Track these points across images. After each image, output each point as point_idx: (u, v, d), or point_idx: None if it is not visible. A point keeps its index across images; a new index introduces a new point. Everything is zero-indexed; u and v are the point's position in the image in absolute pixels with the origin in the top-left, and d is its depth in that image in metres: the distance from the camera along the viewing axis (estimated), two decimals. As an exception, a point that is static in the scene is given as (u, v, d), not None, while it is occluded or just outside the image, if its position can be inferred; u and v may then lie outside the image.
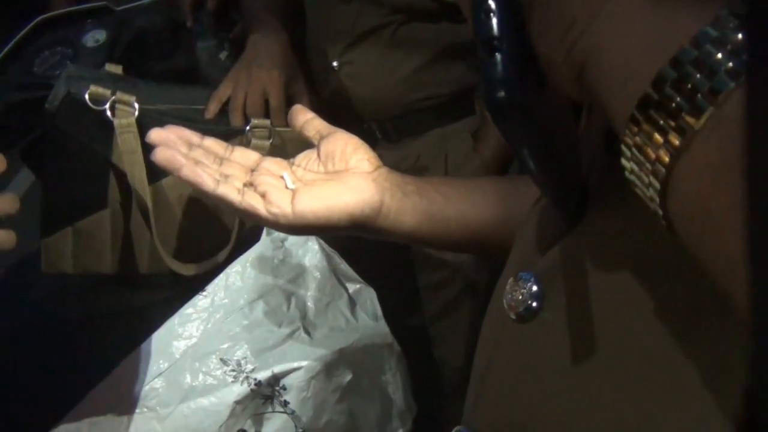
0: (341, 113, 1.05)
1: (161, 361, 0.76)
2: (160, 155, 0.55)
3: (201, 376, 0.74)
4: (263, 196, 0.54)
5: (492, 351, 0.42)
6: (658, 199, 0.25)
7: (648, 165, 0.25)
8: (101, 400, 0.73)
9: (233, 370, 0.74)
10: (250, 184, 0.56)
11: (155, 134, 0.57)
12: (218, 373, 0.74)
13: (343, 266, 0.87)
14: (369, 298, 0.89)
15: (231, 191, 0.54)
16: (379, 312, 0.88)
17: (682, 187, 0.24)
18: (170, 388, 0.74)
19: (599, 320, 0.34)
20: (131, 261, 0.96)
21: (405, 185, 0.55)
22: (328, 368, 0.76)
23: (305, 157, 0.58)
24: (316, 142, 0.58)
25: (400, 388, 0.86)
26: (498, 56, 0.26)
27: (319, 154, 0.57)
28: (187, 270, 0.89)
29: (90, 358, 0.83)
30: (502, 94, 0.26)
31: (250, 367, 0.74)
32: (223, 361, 0.75)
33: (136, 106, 0.88)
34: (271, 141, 0.91)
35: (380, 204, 0.55)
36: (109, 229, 0.94)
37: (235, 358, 0.75)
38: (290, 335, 0.77)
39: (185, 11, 1.71)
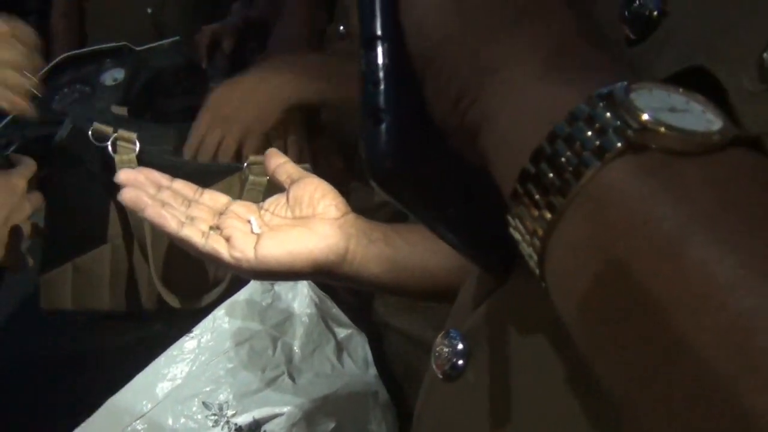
0: None
1: (145, 402, 0.76)
2: (126, 195, 0.56)
3: (182, 419, 0.74)
4: (228, 239, 0.55)
5: (420, 409, 0.42)
6: (537, 271, 0.25)
7: (528, 237, 0.25)
8: (83, 439, 0.73)
9: (214, 414, 0.74)
10: (216, 227, 0.57)
11: (123, 175, 0.59)
12: (199, 416, 0.74)
13: (335, 311, 0.87)
14: (360, 344, 0.88)
15: (194, 234, 0.55)
16: (370, 358, 0.88)
17: (552, 262, 0.24)
18: (152, 430, 0.74)
19: (518, 385, 0.34)
20: (130, 297, 0.97)
21: (371, 232, 0.56)
22: (311, 415, 0.76)
23: (274, 202, 0.60)
24: (287, 187, 0.59)
25: (387, 439, 0.85)
26: (383, 127, 0.26)
27: (288, 199, 0.58)
28: (183, 304, 0.90)
29: (75, 397, 0.84)
30: (387, 165, 0.27)
31: (231, 411, 0.74)
32: (205, 405, 0.75)
33: (137, 143, 0.90)
34: (268, 178, 0.92)
35: (345, 251, 0.55)
36: (108, 266, 0.95)
37: (217, 402, 0.75)
38: (274, 380, 0.77)
39: (200, 53, 1.75)
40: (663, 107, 0.22)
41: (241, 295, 0.81)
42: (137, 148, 0.91)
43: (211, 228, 0.57)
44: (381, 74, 0.28)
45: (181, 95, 1.55)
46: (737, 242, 0.19)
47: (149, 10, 1.99)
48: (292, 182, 0.59)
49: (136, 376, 0.78)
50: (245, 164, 0.92)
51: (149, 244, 0.89)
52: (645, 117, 0.21)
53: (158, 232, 0.92)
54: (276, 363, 0.79)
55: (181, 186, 0.61)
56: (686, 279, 0.19)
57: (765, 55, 0.24)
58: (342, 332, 0.87)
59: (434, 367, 0.40)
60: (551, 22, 0.26)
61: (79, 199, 0.93)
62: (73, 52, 1.55)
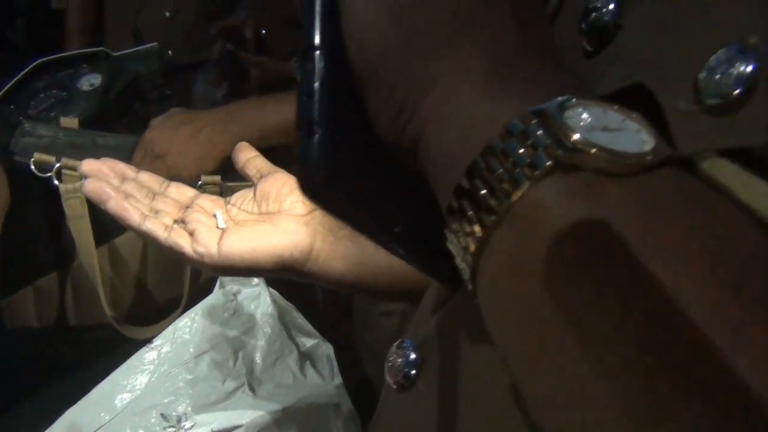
0: None
1: (103, 414, 0.76)
2: (88, 186, 0.56)
3: (140, 431, 0.74)
4: (192, 234, 0.54)
5: (375, 419, 0.42)
6: (470, 287, 0.25)
7: (461, 252, 0.25)
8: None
9: (172, 426, 0.74)
10: (181, 221, 0.56)
11: (87, 165, 0.58)
12: (157, 428, 0.74)
13: (300, 320, 0.87)
14: (326, 354, 0.88)
15: (157, 227, 0.55)
16: (336, 369, 0.88)
17: (483, 280, 0.24)
18: (109, 443, 0.74)
19: (466, 395, 0.34)
20: (93, 313, 0.97)
21: (338, 229, 0.55)
22: (271, 427, 0.76)
23: (241, 196, 0.59)
24: (255, 181, 0.59)
25: (350, 451, 0.84)
26: (316, 139, 0.26)
27: (255, 194, 0.58)
28: (139, 334, 0.90)
29: (35, 408, 0.83)
30: (317, 178, 0.26)
31: (189, 423, 0.74)
32: (164, 417, 0.74)
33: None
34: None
35: (310, 248, 0.55)
36: (69, 286, 0.95)
37: (175, 413, 0.74)
38: (234, 392, 0.77)
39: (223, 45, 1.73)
40: (596, 126, 0.22)
41: (203, 304, 0.81)
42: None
43: (175, 221, 0.56)
44: (316, 85, 0.27)
45: (157, 101, 1.55)
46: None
47: (167, 14, 2.00)
48: (261, 177, 0.59)
49: (94, 388, 0.78)
50: (198, 183, 0.92)
51: (98, 274, 0.89)
52: (575, 137, 0.21)
53: (114, 257, 0.93)
54: (236, 374, 0.79)
55: (147, 178, 0.60)
56: None
57: (700, 75, 0.24)
58: (307, 342, 0.87)
59: (388, 377, 0.40)
60: (494, 36, 0.26)
61: (34, 223, 0.94)
62: (48, 57, 1.55)
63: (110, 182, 0.57)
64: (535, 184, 0.21)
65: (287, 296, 0.88)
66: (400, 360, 0.39)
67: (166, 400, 0.76)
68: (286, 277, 0.57)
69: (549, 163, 0.21)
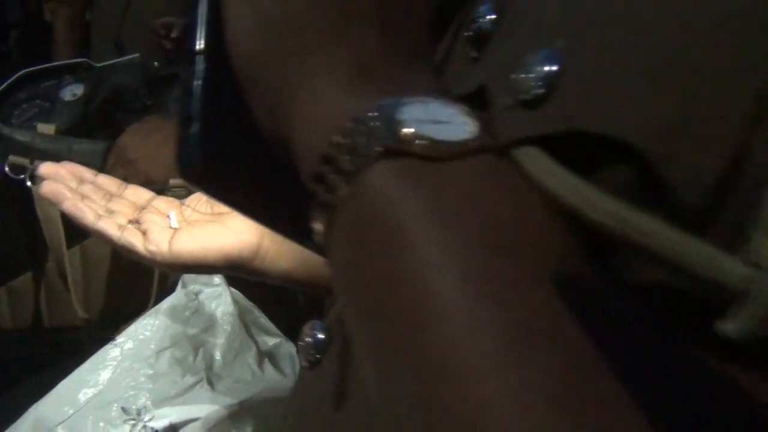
0: None
1: (67, 408, 0.79)
2: (45, 188, 0.59)
3: (101, 424, 0.77)
4: (144, 233, 0.58)
5: (291, 393, 0.45)
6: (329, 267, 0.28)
7: (319, 234, 0.28)
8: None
9: (132, 419, 0.77)
10: (136, 221, 0.60)
11: (44, 168, 0.62)
12: (118, 421, 0.77)
13: (262, 320, 0.91)
14: (288, 352, 0.91)
15: (110, 227, 0.58)
16: (297, 367, 0.91)
17: (332, 260, 0.27)
18: (72, 436, 0.77)
19: (356, 373, 0.37)
20: (66, 312, 1.00)
21: None
22: (228, 420, 0.79)
23: (197, 198, 0.63)
24: None
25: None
26: (192, 133, 0.30)
27: None
28: (109, 334, 0.93)
29: (5, 406, 0.87)
30: (192, 167, 0.30)
31: (148, 416, 0.77)
32: (124, 410, 0.78)
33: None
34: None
35: (258, 247, 0.58)
36: (42, 287, 0.99)
37: (136, 407, 0.78)
38: (193, 386, 0.80)
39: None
40: (428, 119, 0.25)
41: (165, 303, 0.85)
42: None
43: (130, 222, 0.60)
44: (195, 84, 0.31)
45: (139, 111, 1.59)
46: (467, 256, 0.22)
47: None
48: None
49: (59, 383, 0.81)
50: (168, 187, 0.96)
51: (69, 274, 0.92)
52: (404, 129, 0.25)
53: (85, 258, 0.97)
54: (196, 369, 0.82)
55: (105, 180, 0.64)
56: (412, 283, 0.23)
57: (512, 76, 0.27)
58: (269, 341, 0.91)
59: (300, 355, 0.43)
60: (359, 40, 0.29)
61: (9, 224, 0.97)
62: (33, 68, 1.58)
63: (67, 184, 0.61)
64: (368, 167, 0.25)
65: (259, 296, 0.92)
66: (309, 340, 0.42)
67: (127, 395, 0.79)
68: (235, 275, 0.61)
69: (379, 149, 0.25)
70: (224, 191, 0.33)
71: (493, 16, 0.35)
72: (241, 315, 0.88)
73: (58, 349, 1.00)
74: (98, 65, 1.58)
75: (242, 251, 0.58)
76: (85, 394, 0.80)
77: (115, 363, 0.81)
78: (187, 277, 0.88)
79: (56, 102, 1.50)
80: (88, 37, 2.18)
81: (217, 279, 0.89)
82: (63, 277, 0.94)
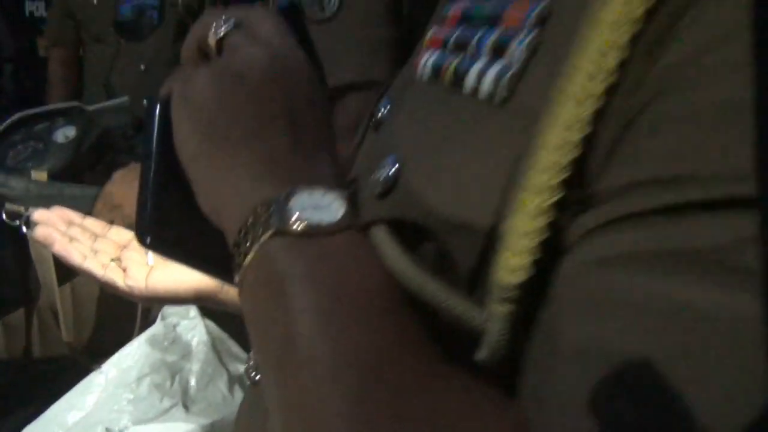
0: None
1: (57, 429, 0.89)
2: (38, 232, 0.70)
3: (87, 444, 0.87)
4: (125, 270, 0.68)
5: (238, 412, 0.55)
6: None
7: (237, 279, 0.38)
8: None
9: (114, 439, 0.86)
10: (118, 259, 0.70)
11: (38, 214, 0.72)
12: (102, 441, 0.87)
13: (234, 348, 1.01)
14: (258, 378, 1.01)
15: (95, 266, 0.69)
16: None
17: (241, 294, 0.37)
18: (60, 454, 0.86)
19: None
20: (55, 347, 1.10)
21: None
22: (201, 439, 0.88)
23: None
24: None
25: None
26: (145, 213, 0.40)
27: None
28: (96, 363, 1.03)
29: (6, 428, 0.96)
30: (145, 237, 0.41)
31: (128, 436, 0.87)
32: (108, 430, 0.87)
33: None
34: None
35: (222, 283, 0.68)
36: (35, 321, 1.09)
37: (118, 427, 0.87)
38: (169, 409, 0.90)
39: None
40: (311, 206, 0.36)
41: (146, 333, 0.95)
42: None
43: (112, 260, 0.70)
44: (150, 177, 0.42)
45: (127, 152, 1.69)
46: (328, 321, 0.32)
47: (142, 67, 2.16)
48: None
49: (50, 407, 0.91)
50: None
51: (60, 310, 1.02)
52: (291, 215, 0.35)
53: (75, 295, 1.07)
54: (173, 393, 0.91)
55: (91, 223, 0.74)
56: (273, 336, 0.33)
57: (371, 175, 0.38)
58: (240, 367, 1.00)
59: (245, 373, 0.53)
60: (270, 144, 0.38)
61: (5, 264, 1.07)
62: (28, 111, 1.68)
63: (57, 227, 0.71)
64: (266, 242, 0.35)
65: (231, 326, 1.02)
66: (252, 362, 0.52)
67: (110, 417, 0.89)
68: (204, 305, 0.71)
69: (271, 231, 0.35)
70: (170, 253, 0.44)
71: (387, 109, 0.46)
72: (215, 344, 0.98)
73: (48, 377, 1.09)
74: (89, 108, 1.69)
75: (209, 286, 0.68)
76: (73, 417, 0.89)
77: (100, 389, 0.91)
78: (166, 310, 0.98)
79: (49, 144, 1.60)
80: (81, 77, 2.29)
81: (193, 312, 0.99)
82: (54, 312, 1.04)
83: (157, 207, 0.41)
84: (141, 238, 0.42)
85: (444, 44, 0.37)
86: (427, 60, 0.38)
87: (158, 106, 0.41)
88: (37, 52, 3.08)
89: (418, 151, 0.36)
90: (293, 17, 0.45)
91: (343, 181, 0.41)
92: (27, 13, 3.25)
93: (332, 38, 1.02)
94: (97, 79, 2.17)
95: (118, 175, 1.19)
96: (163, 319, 0.97)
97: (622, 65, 0.24)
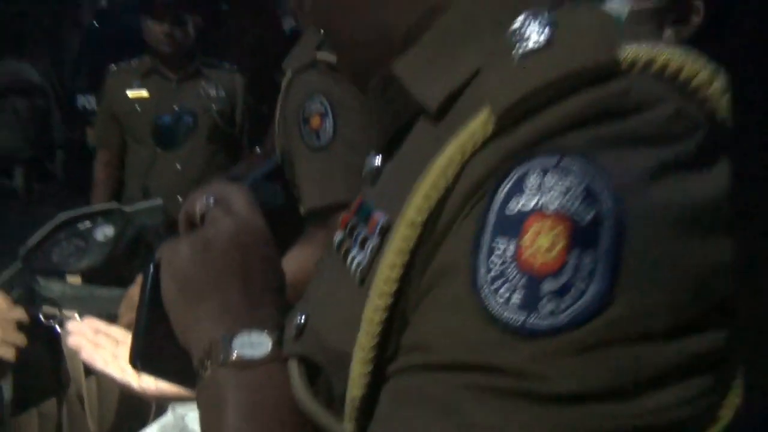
0: None
1: None
2: (70, 342, 0.85)
3: None
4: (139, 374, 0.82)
5: None
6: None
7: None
8: None
9: None
10: None
11: (71, 325, 0.87)
12: None
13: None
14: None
15: (115, 370, 0.83)
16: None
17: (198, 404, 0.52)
18: None
19: None
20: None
21: None
22: None
23: None
24: None
25: None
26: (137, 346, 0.55)
27: None
28: None
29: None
30: (136, 364, 0.55)
31: None
32: None
33: (77, 318, 1.19)
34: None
35: None
36: (64, 409, 1.23)
37: None
38: (174, 493, 1.02)
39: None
40: (248, 344, 0.50)
41: (158, 423, 1.08)
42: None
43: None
44: (141, 318, 0.57)
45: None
46: None
47: (178, 166, 2.37)
48: None
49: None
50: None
51: (86, 399, 1.17)
52: (232, 352, 0.49)
53: (101, 385, 1.21)
54: (179, 478, 1.04)
55: (115, 331, 0.89)
56: None
57: (290, 322, 0.52)
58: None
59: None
60: (228, 296, 0.53)
61: (40, 357, 1.23)
62: (71, 214, 1.87)
63: (86, 335, 0.87)
64: (214, 371, 0.49)
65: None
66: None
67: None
68: None
69: (218, 363, 0.49)
70: (155, 373, 0.58)
71: (377, 160, 0.57)
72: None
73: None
74: (126, 209, 1.88)
75: None
76: (91, 498, 1.02)
77: (116, 473, 1.04)
78: (176, 403, 1.12)
79: (90, 242, 1.78)
80: (123, 178, 2.50)
81: (200, 404, 1.12)
82: (81, 401, 1.19)
83: (147, 340, 0.56)
84: (133, 364, 0.57)
85: (346, 226, 0.52)
86: (336, 236, 0.53)
87: (152, 268, 0.56)
88: (87, 142, 3.33)
89: (319, 305, 0.50)
90: (265, 188, 0.61)
91: (282, 318, 0.55)
92: (80, 106, 3.53)
93: (326, 164, 1.19)
94: (137, 180, 2.38)
95: (140, 279, 1.34)
96: (173, 409, 1.11)
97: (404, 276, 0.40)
